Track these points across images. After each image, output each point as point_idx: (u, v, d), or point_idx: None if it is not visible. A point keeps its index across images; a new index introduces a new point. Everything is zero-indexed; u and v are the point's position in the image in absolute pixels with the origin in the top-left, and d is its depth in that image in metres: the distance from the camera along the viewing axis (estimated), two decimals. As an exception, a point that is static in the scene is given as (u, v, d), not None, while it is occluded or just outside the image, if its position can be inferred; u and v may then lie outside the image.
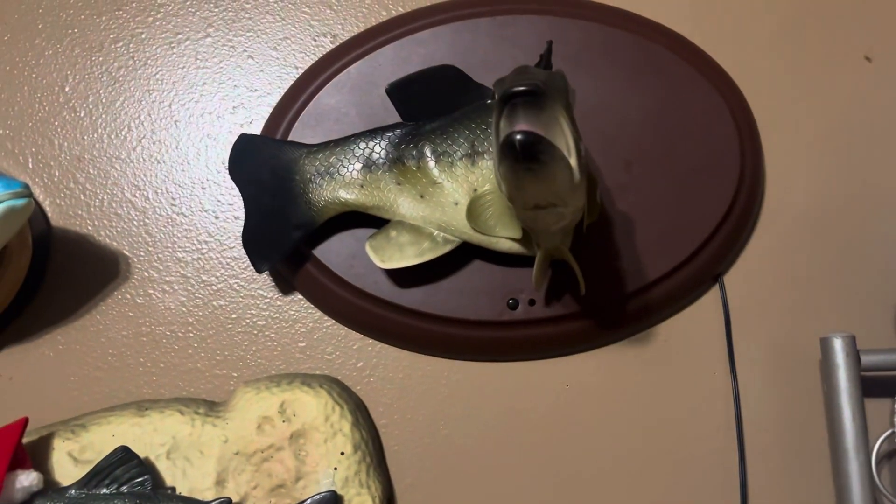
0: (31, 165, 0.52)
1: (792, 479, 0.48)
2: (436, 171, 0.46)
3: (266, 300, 0.51)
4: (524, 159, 0.33)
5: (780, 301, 0.50)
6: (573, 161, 0.34)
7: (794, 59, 0.53)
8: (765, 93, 0.52)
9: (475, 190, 0.45)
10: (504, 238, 0.45)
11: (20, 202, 0.43)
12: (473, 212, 0.44)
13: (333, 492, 0.45)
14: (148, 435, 0.46)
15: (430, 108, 0.47)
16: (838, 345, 0.45)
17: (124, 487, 0.43)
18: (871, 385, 0.48)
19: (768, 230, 0.51)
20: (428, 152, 0.46)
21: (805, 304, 0.50)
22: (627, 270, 0.48)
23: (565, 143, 0.34)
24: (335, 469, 0.46)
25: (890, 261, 0.49)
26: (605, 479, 0.48)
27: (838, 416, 0.45)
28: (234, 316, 0.50)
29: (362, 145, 0.47)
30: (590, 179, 0.43)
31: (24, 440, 0.45)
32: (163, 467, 0.45)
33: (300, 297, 0.51)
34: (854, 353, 0.45)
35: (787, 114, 0.52)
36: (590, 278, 0.47)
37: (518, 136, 0.32)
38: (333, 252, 0.48)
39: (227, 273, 0.51)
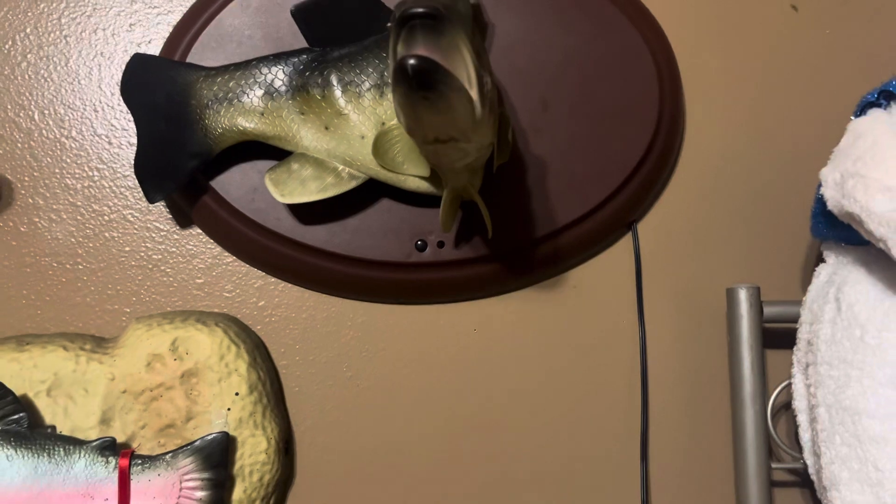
0: None
1: (692, 428, 0.48)
2: (342, 102, 0.43)
3: (162, 233, 0.48)
4: (419, 87, 0.30)
5: (690, 251, 0.49)
6: (474, 93, 0.32)
7: (720, 4, 0.51)
8: (689, 38, 0.51)
9: (383, 123, 0.43)
10: (412, 176, 0.43)
11: None
12: (380, 147, 0.42)
13: (225, 433, 0.43)
14: (27, 371, 0.43)
15: (338, 34, 0.44)
16: (743, 295, 0.45)
17: (-2, 425, 0.41)
18: (774, 337, 0.48)
19: (684, 179, 0.50)
20: (334, 81, 0.43)
21: (714, 255, 0.49)
22: (539, 214, 0.47)
23: (466, 72, 0.32)
24: (228, 410, 0.44)
25: (798, 215, 0.49)
26: (508, 423, 0.48)
27: (738, 365, 0.45)
28: (127, 249, 0.48)
29: (264, 70, 0.44)
30: (502, 118, 0.41)
31: None
32: (42, 405, 0.43)
33: (199, 231, 0.48)
34: (757, 304, 0.45)
35: (710, 60, 0.51)
36: (500, 221, 0.46)
37: (411, 61, 0.30)
38: (233, 185, 0.46)
39: (120, 203, 0.48)
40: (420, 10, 0.30)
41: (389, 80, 0.43)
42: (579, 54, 0.48)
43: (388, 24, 0.40)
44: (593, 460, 0.47)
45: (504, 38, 0.47)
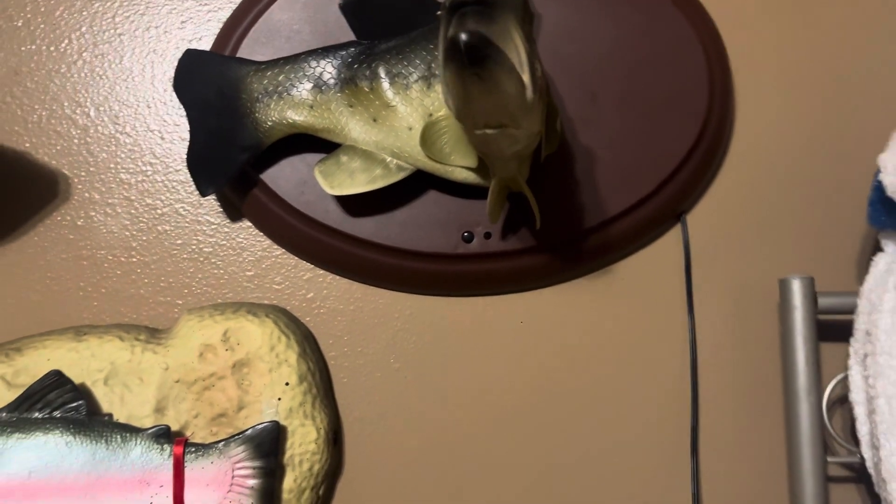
0: (-36, 77, 0.49)
1: (744, 422, 0.47)
2: (390, 94, 0.44)
3: (213, 226, 0.49)
4: (470, 63, 0.30)
5: (741, 241, 0.49)
6: (526, 77, 0.32)
7: (771, -8, 0.51)
8: (740, 26, 0.50)
9: (431, 115, 0.43)
10: (459, 167, 0.43)
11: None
12: (428, 138, 0.42)
13: (276, 422, 0.43)
14: (85, 360, 0.44)
15: (386, 26, 0.44)
16: (796, 286, 0.44)
17: (57, 412, 0.42)
18: (828, 329, 0.47)
19: (734, 169, 0.49)
20: (382, 73, 0.44)
21: (766, 246, 0.48)
22: (587, 205, 0.47)
23: (517, 56, 0.32)
24: (279, 399, 0.44)
25: (853, 204, 0.48)
26: (556, 416, 0.47)
27: (792, 358, 0.44)
28: (179, 242, 0.49)
29: (313, 64, 0.44)
30: (550, 108, 0.41)
31: (-45, 363, 0.43)
32: (100, 393, 0.44)
33: (248, 224, 0.49)
34: (811, 295, 0.44)
35: (762, 49, 0.50)
36: (548, 212, 0.46)
37: (463, 36, 0.30)
38: (283, 178, 0.46)
39: (172, 197, 0.49)
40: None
41: (438, 71, 0.43)
42: (628, 45, 0.47)
43: (439, 13, 0.40)
44: (643, 454, 0.47)
45: (552, 28, 0.47)
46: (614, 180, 0.47)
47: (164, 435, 0.42)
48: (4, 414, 0.42)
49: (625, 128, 0.47)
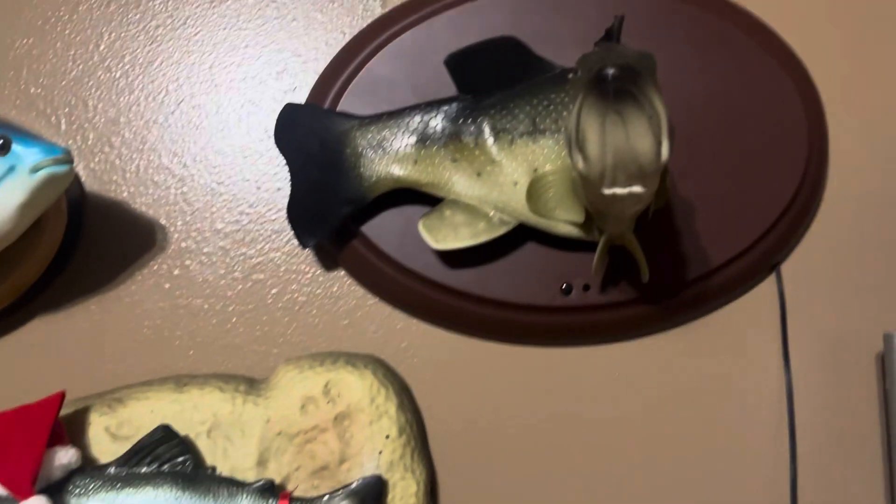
0: (63, 127, 0.50)
1: (843, 480, 0.46)
2: (494, 149, 0.44)
3: (308, 276, 0.49)
4: (615, 96, 0.30)
5: (838, 293, 0.48)
6: (663, 136, 0.32)
7: (863, 38, 0.50)
8: (831, 72, 0.50)
9: (535, 170, 0.43)
10: (564, 222, 0.43)
11: (61, 169, 0.40)
12: (534, 193, 0.42)
13: (379, 476, 0.43)
14: (187, 412, 0.44)
15: (489, 81, 0.44)
16: (904, 342, 0.44)
17: (165, 466, 0.42)
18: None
19: (829, 217, 0.49)
20: (487, 128, 0.44)
21: (865, 297, 0.48)
22: (685, 258, 0.46)
23: (657, 118, 0.32)
24: (380, 452, 0.44)
25: (958, 257, 0.47)
26: (652, 471, 0.47)
27: (899, 414, 0.44)
28: (274, 291, 0.49)
29: (417, 119, 0.45)
30: (658, 163, 0.41)
31: (60, 414, 0.43)
32: (203, 445, 0.44)
33: (343, 273, 0.49)
34: (920, 352, 0.44)
35: (853, 95, 0.50)
36: (647, 265, 0.46)
37: (611, 70, 0.30)
38: (383, 229, 0.46)
39: (268, 246, 0.49)
40: (615, 71, 0.30)
41: (541, 127, 0.43)
42: (723, 95, 0.47)
43: (570, 75, 0.41)
44: (741, 508, 0.46)
45: (648, 81, 0.47)
46: (712, 233, 0.47)
47: (269, 489, 0.43)
48: (113, 469, 0.42)
49: (722, 179, 0.47)
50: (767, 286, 0.49)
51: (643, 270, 0.43)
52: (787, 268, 0.49)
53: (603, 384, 0.48)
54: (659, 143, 0.33)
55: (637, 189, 0.35)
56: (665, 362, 0.48)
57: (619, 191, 0.34)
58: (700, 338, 0.48)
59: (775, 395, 0.47)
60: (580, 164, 0.34)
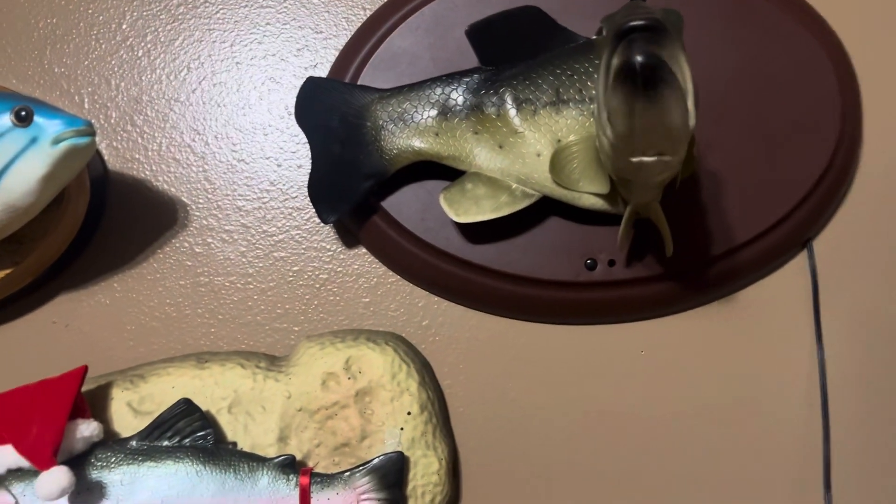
0: (86, 106, 0.50)
1: (878, 454, 0.45)
2: (517, 120, 0.43)
3: (329, 253, 0.49)
4: (645, 85, 0.30)
5: (872, 269, 0.47)
6: (690, 103, 0.31)
7: (897, 11, 0.49)
8: (867, 45, 0.48)
9: (559, 141, 0.43)
10: (588, 193, 0.42)
11: (83, 140, 0.40)
12: (557, 164, 0.42)
13: (401, 452, 0.43)
14: (209, 388, 0.44)
15: (510, 52, 0.44)
16: (942, 317, 0.42)
17: (186, 441, 0.42)
18: (970, 361, 0.45)
19: (862, 192, 0.48)
20: (509, 99, 0.43)
21: (900, 274, 0.47)
22: (713, 232, 0.45)
23: (684, 83, 0.31)
24: (401, 429, 0.44)
25: None
26: (678, 448, 0.46)
27: (938, 392, 0.42)
28: (295, 268, 0.48)
29: (438, 91, 0.44)
30: (686, 132, 0.40)
31: (82, 389, 0.43)
32: (224, 421, 0.44)
33: (364, 250, 0.48)
34: (959, 327, 0.42)
35: (889, 68, 0.48)
36: (673, 239, 0.45)
37: (640, 58, 0.29)
38: (404, 205, 0.46)
39: (288, 223, 0.49)
40: (641, 22, 0.29)
41: (565, 97, 0.42)
42: (754, 67, 0.46)
43: (595, 37, 0.40)
44: (772, 489, 0.45)
45: (674, 52, 0.46)
46: (741, 206, 0.45)
47: (290, 465, 0.42)
48: (135, 442, 0.42)
49: (752, 152, 0.46)
50: (799, 262, 0.48)
51: (668, 244, 0.42)
52: (819, 243, 0.48)
53: (628, 362, 0.47)
54: (686, 111, 0.32)
55: (666, 157, 0.34)
56: (693, 340, 0.47)
57: (646, 159, 0.34)
58: (730, 314, 0.47)
59: (808, 373, 0.46)
60: (609, 133, 0.33)
